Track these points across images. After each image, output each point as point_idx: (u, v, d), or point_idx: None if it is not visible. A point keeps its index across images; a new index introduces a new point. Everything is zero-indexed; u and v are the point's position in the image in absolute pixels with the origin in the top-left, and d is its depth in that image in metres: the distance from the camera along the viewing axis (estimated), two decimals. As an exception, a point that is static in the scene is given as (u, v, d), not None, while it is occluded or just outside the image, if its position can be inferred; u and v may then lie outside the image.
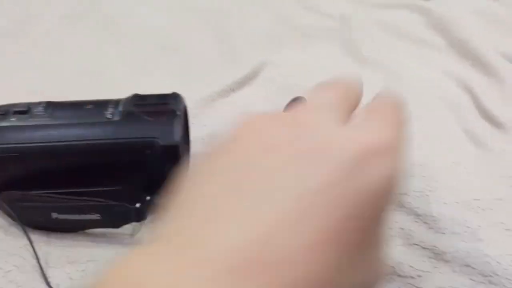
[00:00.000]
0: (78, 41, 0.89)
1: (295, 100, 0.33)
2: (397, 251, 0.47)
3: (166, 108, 0.50)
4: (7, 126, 0.49)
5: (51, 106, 0.50)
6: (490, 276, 0.45)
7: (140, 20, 0.94)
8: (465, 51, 0.77)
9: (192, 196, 0.25)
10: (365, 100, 0.39)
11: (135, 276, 0.20)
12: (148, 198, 0.49)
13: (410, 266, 0.46)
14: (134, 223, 0.50)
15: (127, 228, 0.50)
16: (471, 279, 0.45)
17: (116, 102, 0.51)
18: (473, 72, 0.74)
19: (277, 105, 0.66)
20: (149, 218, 0.51)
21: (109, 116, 0.49)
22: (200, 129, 0.63)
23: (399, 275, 0.45)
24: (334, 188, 0.23)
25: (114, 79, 0.76)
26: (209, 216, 0.23)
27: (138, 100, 0.51)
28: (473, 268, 0.46)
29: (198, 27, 0.92)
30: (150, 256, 0.21)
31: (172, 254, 0.21)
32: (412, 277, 0.45)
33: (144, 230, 0.50)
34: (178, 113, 0.50)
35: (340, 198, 0.23)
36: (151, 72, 0.78)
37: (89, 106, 0.51)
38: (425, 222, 0.50)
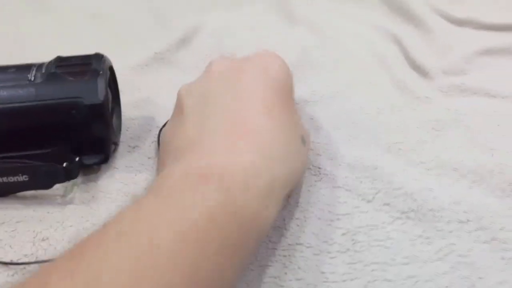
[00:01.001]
0: (4, 9, 0.87)
1: None
2: (322, 194, 0.49)
3: (89, 68, 0.50)
4: None
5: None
6: (407, 212, 0.47)
7: None
8: (396, 7, 0.79)
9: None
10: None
11: None
12: (77, 158, 0.50)
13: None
14: (65, 184, 0.50)
15: (58, 189, 0.50)
16: (390, 216, 0.47)
17: (39, 66, 0.51)
18: (403, 25, 0.76)
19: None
20: (80, 178, 0.52)
21: (31, 78, 0.49)
22: (134, 94, 0.63)
23: (319, 218, 0.47)
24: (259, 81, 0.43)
25: (41, 47, 0.74)
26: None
27: (61, 61, 0.51)
28: (392, 206, 0.48)
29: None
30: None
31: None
32: (338, 219, 0.47)
33: (76, 190, 0.51)
34: (101, 72, 0.50)
35: (264, 85, 0.43)
36: (80, 40, 0.78)
37: (11, 70, 0.51)
38: (348, 163, 0.52)
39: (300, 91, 0.62)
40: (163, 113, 0.60)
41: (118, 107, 0.57)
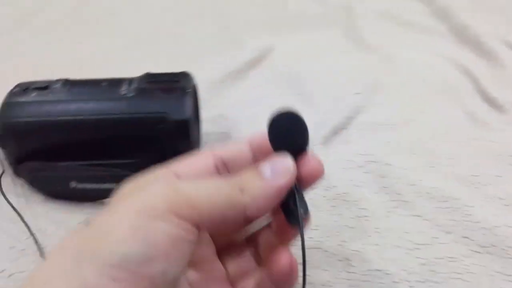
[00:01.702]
0: (80, 32, 0.92)
1: None
2: (400, 221, 0.49)
3: (177, 85, 0.53)
4: (28, 101, 0.51)
5: (68, 83, 0.53)
6: (487, 247, 0.47)
7: (138, 9, 0.98)
8: (466, 37, 0.79)
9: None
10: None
11: None
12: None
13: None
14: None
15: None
16: (470, 249, 0.47)
17: (129, 80, 0.53)
18: (474, 56, 0.76)
19: (281, 88, 0.70)
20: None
21: (123, 92, 0.52)
22: (210, 110, 0.65)
23: (398, 246, 0.47)
24: None
25: (118, 65, 0.78)
26: None
27: (150, 78, 0.54)
28: (471, 239, 0.48)
29: (197, 12, 0.95)
30: None
31: None
32: (417, 248, 0.47)
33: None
34: (188, 90, 0.52)
35: None
36: (152, 57, 0.81)
37: (104, 84, 0.53)
38: (427, 193, 0.52)
39: (372, 116, 0.63)
40: (238, 129, 0.62)
41: (198, 122, 0.59)
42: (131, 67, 0.74)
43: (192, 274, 0.33)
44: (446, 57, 0.76)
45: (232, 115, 0.65)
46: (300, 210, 0.31)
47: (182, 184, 0.29)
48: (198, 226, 0.28)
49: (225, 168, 0.33)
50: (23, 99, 0.52)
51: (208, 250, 0.35)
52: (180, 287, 0.31)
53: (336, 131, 0.61)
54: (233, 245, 0.37)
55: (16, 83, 0.69)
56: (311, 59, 0.77)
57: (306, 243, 0.47)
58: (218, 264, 0.35)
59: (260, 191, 0.29)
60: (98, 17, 0.95)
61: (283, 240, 0.34)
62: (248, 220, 0.31)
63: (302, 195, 0.32)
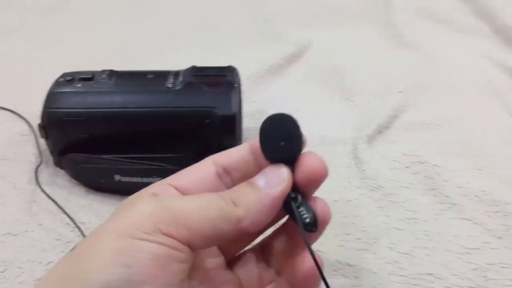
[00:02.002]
0: (111, 17, 0.92)
1: None
2: (450, 224, 0.48)
3: (224, 80, 0.52)
4: (73, 92, 0.51)
5: (114, 74, 0.52)
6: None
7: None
8: (509, 37, 0.77)
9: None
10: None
11: None
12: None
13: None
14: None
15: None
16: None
17: (175, 73, 0.53)
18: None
19: (320, 83, 0.69)
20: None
21: (169, 85, 0.51)
22: (249, 105, 0.64)
23: (449, 250, 0.46)
24: None
25: (154, 53, 0.78)
26: None
27: (197, 71, 0.53)
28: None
29: (230, 4, 0.95)
30: None
31: None
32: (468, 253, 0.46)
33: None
34: (235, 85, 0.52)
35: None
36: (188, 48, 0.80)
37: (150, 76, 0.52)
38: (476, 196, 0.51)
39: (416, 115, 0.62)
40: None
41: (241, 117, 0.58)
42: (170, 57, 0.76)
43: None
44: (488, 57, 0.75)
45: (272, 111, 0.64)
46: (303, 216, 0.29)
47: (171, 200, 0.28)
48: (189, 242, 0.26)
49: (227, 175, 0.32)
50: (68, 89, 0.51)
51: (216, 262, 0.33)
52: None
53: (380, 130, 0.60)
54: (246, 253, 0.35)
55: (56, 70, 0.70)
56: (350, 54, 0.76)
57: (354, 244, 0.46)
58: (229, 274, 0.33)
59: (254, 203, 0.28)
60: (135, 6, 0.95)
61: (300, 244, 0.32)
62: (247, 233, 0.29)
63: (305, 200, 0.30)
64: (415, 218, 0.49)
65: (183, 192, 0.30)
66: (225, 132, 0.51)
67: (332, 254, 0.46)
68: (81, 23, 0.89)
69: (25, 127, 0.61)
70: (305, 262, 0.30)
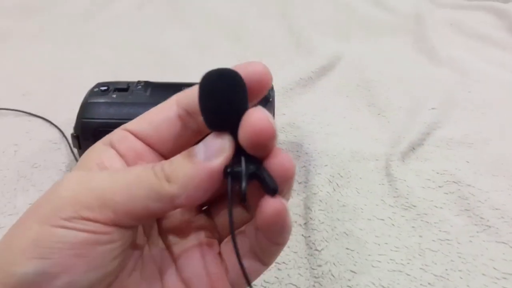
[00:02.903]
0: (146, 25, 0.92)
1: None
2: (485, 247, 0.48)
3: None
4: (108, 102, 0.51)
5: (149, 86, 0.52)
6: None
7: (205, 7, 0.98)
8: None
9: None
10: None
11: None
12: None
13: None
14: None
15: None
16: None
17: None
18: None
19: (351, 97, 0.69)
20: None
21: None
22: (280, 118, 0.64)
23: (484, 274, 0.45)
24: None
25: (186, 63, 0.78)
26: None
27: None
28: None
29: (262, 15, 0.95)
30: None
31: None
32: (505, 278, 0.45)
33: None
34: (271, 99, 0.51)
35: None
36: (220, 58, 0.81)
37: (185, 88, 0.52)
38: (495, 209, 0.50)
39: (449, 133, 0.62)
40: (309, 139, 0.61)
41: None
42: (201, 68, 0.75)
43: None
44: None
45: (303, 124, 0.64)
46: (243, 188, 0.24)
47: (96, 178, 0.25)
48: (117, 223, 0.24)
49: (191, 118, 0.28)
50: (102, 99, 0.51)
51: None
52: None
53: (413, 147, 0.59)
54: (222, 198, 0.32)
55: (87, 78, 0.70)
56: (381, 68, 0.76)
57: (387, 265, 0.46)
58: (202, 219, 0.31)
59: (190, 178, 0.24)
60: (166, 16, 0.96)
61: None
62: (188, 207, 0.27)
63: (251, 166, 0.25)
64: (448, 240, 0.48)
65: (142, 137, 0.28)
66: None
67: (366, 274, 0.45)
68: (112, 31, 0.89)
69: (56, 134, 0.62)
70: (266, 208, 0.25)
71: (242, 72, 0.25)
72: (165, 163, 0.25)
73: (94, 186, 0.25)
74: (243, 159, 0.25)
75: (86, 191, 0.24)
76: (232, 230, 0.26)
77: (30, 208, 0.25)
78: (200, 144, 0.25)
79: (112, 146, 0.28)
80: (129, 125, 0.28)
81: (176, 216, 0.30)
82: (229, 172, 0.25)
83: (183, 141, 0.28)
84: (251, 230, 0.28)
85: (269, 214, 0.25)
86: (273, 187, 0.25)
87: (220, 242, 0.31)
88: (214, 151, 0.25)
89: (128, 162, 0.27)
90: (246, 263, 0.28)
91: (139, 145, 0.28)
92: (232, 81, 0.25)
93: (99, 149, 0.28)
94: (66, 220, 0.23)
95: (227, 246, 0.30)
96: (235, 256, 0.26)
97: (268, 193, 0.25)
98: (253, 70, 0.26)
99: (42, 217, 0.24)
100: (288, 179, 0.26)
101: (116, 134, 0.28)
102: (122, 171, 0.26)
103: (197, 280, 0.29)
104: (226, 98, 0.25)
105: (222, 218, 0.31)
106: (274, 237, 0.27)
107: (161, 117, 0.28)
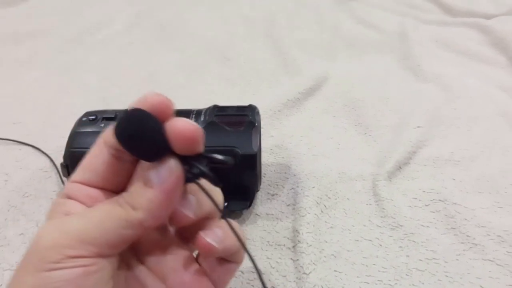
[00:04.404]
0: (134, 49, 0.93)
1: None
2: (471, 266, 0.48)
3: (244, 119, 0.52)
4: (96, 132, 0.51)
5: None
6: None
7: (191, 29, 1.00)
8: (528, 69, 0.78)
9: None
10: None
11: None
12: (225, 203, 0.51)
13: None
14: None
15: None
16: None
17: (198, 112, 0.53)
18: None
19: (338, 117, 0.70)
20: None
21: (191, 124, 0.51)
22: (268, 140, 0.65)
23: None
24: None
25: (174, 86, 0.80)
26: None
27: (219, 111, 0.53)
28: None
29: (249, 36, 0.96)
30: None
31: None
32: None
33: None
34: (256, 124, 0.52)
35: None
36: (207, 80, 0.81)
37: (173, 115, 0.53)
38: (498, 236, 0.51)
39: (437, 150, 0.62)
40: (297, 161, 0.61)
41: (260, 155, 0.58)
42: (190, 90, 0.77)
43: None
44: (505, 88, 0.75)
45: (290, 146, 0.64)
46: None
47: (70, 222, 0.28)
48: (100, 254, 0.27)
49: (121, 152, 0.29)
50: (91, 129, 0.52)
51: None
52: None
53: (399, 166, 0.60)
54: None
55: (77, 105, 0.71)
56: (367, 87, 0.77)
57: (375, 286, 0.46)
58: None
59: (152, 201, 0.28)
60: (144, 40, 0.97)
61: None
62: (157, 227, 0.30)
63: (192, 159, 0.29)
64: (436, 259, 0.49)
65: (90, 184, 0.30)
66: (246, 170, 0.51)
67: (354, 296, 0.46)
68: (101, 57, 0.90)
69: (47, 162, 0.62)
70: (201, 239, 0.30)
71: (142, 106, 0.28)
72: (125, 195, 0.29)
73: (70, 230, 0.27)
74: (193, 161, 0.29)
75: (65, 235, 0.27)
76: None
77: (17, 268, 0.27)
78: (151, 172, 0.28)
79: (71, 198, 0.30)
80: (76, 177, 0.31)
81: (148, 240, 0.33)
82: (195, 173, 0.28)
83: (125, 173, 0.30)
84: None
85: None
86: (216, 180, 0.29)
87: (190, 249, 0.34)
88: (166, 174, 0.28)
89: (88, 206, 0.30)
90: (220, 264, 0.33)
91: (91, 190, 0.30)
92: (144, 117, 0.27)
93: (61, 202, 0.30)
94: (57, 263, 0.26)
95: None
96: (210, 260, 0.33)
97: (214, 185, 0.30)
98: (151, 101, 0.28)
99: (33, 269, 0.26)
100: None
101: (70, 188, 0.31)
102: (90, 211, 0.29)
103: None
104: (146, 133, 0.27)
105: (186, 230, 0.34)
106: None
107: (99, 161, 0.30)
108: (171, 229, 0.35)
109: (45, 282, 0.26)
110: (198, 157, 0.29)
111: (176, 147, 0.28)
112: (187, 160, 0.29)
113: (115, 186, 0.31)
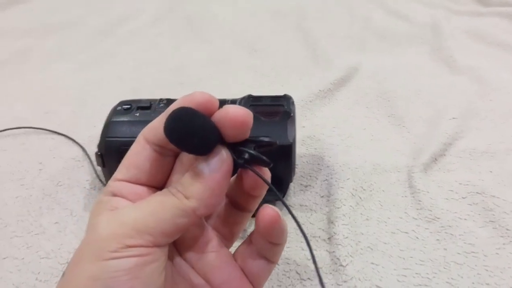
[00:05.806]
0: (163, 41, 0.93)
1: None
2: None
3: (280, 109, 0.52)
4: (131, 121, 0.51)
5: (171, 103, 0.53)
6: None
7: (220, 21, 1.00)
8: None
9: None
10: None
11: None
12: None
13: None
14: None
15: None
16: None
17: (232, 102, 0.53)
18: None
19: (370, 108, 0.69)
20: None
21: (227, 115, 0.51)
22: (300, 131, 0.64)
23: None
24: None
25: (205, 78, 0.79)
26: None
27: (254, 100, 0.53)
28: None
29: (277, 28, 0.96)
30: None
31: None
32: None
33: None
34: (292, 114, 0.51)
35: None
36: (236, 72, 0.81)
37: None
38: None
39: (471, 143, 0.61)
40: (329, 152, 0.61)
41: (295, 145, 0.58)
42: (220, 82, 0.77)
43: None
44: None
45: (323, 137, 0.64)
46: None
47: (124, 214, 0.29)
48: (156, 244, 0.28)
49: (162, 148, 0.31)
50: (126, 118, 0.52)
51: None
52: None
53: (435, 158, 0.59)
54: None
55: (107, 95, 0.71)
56: (400, 78, 0.76)
57: (413, 279, 0.46)
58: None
59: (204, 191, 0.28)
60: (186, 31, 0.97)
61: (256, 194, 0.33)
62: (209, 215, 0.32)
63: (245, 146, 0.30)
64: (474, 252, 0.48)
65: (135, 181, 0.31)
66: (281, 161, 0.51)
67: (391, 289, 0.45)
68: (129, 49, 0.91)
69: (79, 152, 0.62)
70: (264, 216, 0.31)
71: (189, 104, 0.29)
72: (177, 185, 0.29)
73: (127, 220, 0.28)
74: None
75: (123, 225, 0.28)
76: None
77: (74, 257, 0.29)
78: (202, 162, 0.29)
79: (116, 195, 0.31)
80: (120, 175, 0.31)
81: (189, 237, 0.33)
82: (246, 159, 0.29)
83: (168, 167, 0.32)
84: (256, 238, 0.33)
85: (267, 221, 0.31)
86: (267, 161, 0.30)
87: (227, 245, 0.35)
88: (217, 164, 0.28)
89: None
90: (258, 263, 0.34)
91: (136, 187, 0.31)
92: (194, 115, 0.28)
93: (106, 200, 0.31)
94: (115, 252, 0.27)
95: (238, 251, 0.35)
96: (247, 257, 0.33)
97: (265, 166, 0.30)
98: (198, 100, 0.29)
99: (92, 257, 0.27)
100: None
101: (115, 186, 0.31)
102: (143, 203, 0.29)
103: (227, 286, 0.33)
104: (196, 128, 0.27)
105: (221, 225, 0.35)
106: (274, 239, 0.32)
107: (142, 158, 0.31)
108: (211, 223, 0.35)
109: (104, 271, 0.26)
110: (245, 142, 0.29)
111: (228, 134, 0.28)
112: (235, 147, 0.29)
113: (158, 182, 0.32)
